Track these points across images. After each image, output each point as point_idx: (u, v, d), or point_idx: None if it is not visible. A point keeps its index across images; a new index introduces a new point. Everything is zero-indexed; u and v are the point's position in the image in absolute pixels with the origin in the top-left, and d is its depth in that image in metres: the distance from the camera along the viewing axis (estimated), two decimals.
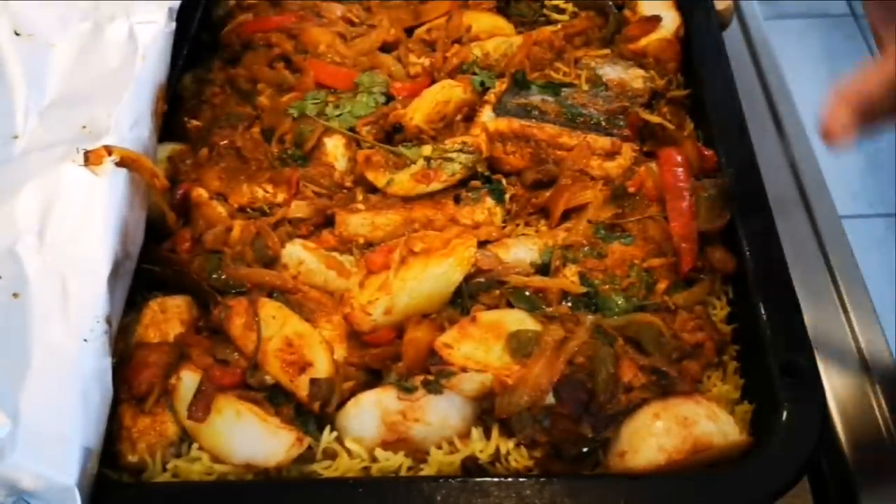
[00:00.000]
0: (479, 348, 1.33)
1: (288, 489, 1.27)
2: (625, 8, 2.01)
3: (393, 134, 1.74)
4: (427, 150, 1.64)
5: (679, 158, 1.59)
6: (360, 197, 1.64)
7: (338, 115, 1.75)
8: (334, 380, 1.35)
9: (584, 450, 1.30)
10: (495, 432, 1.32)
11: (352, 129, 1.73)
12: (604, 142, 1.65)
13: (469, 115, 1.77)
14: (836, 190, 1.94)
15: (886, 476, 1.48)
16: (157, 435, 1.33)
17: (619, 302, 1.43)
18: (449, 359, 1.33)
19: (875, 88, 1.12)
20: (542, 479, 1.20)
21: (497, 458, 1.31)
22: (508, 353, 1.33)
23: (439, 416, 1.31)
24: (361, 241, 1.56)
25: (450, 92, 1.76)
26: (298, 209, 1.62)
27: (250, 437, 1.29)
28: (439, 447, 1.31)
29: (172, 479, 1.31)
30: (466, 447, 1.31)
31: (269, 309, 1.42)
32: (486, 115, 1.71)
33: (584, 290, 1.44)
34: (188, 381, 1.35)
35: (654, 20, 1.90)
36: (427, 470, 1.30)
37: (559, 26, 1.98)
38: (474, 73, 1.83)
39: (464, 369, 1.32)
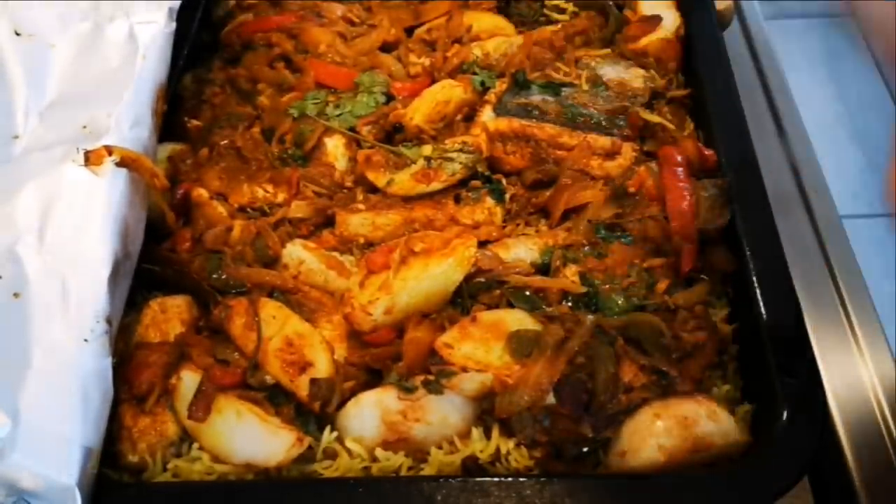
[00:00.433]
0: (480, 348, 1.33)
1: (288, 489, 1.27)
2: (625, 8, 2.01)
3: (393, 134, 1.75)
4: (427, 149, 1.64)
5: (679, 158, 1.59)
6: (360, 197, 1.64)
7: (338, 115, 1.75)
8: (335, 380, 1.35)
9: (585, 450, 1.30)
10: (495, 432, 1.32)
11: (352, 129, 1.73)
12: (604, 141, 1.65)
13: (469, 114, 1.77)
14: (837, 190, 1.94)
15: (886, 476, 1.48)
16: (157, 435, 1.33)
17: (620, 302, 1.43)
18: (449, 359, 1.33)
19: None
20: (542, 479, 1.20)
21: (497, 458, 1.31)
22: (509, 352, 1.33)
23: (440, 415, 1.31)
24: (362, 240, 1.56)
25: (450, 92, 1.76)
26: (299, 209, 1.62)
27: (251, 437, 1.29)
28: (440, 447, 1.31)
29: (173, 479, 1.31)
30: (467, 447, 1.31)
31: (270, 309, 1.42)
32: (487, 114, 1.71)
33: (584, 289, 1.44)
34: (188, 380, 1.35)
35: (655, 20, 1.90)
36: (427, 470, 1.30)
37: (559, 26, 1.98)
38: (474, 73, 1.83)
39: (464, 369, 1.32)
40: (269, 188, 1.65)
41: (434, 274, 1.40)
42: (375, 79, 1.83)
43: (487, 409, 1.33)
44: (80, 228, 1.34)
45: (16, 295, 1.27)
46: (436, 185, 1.60)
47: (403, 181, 1.60)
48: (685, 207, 1.51)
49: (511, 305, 1.43)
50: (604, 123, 1.69)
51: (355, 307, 1.39)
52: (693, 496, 1.20)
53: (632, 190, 1.58)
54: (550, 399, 1.28)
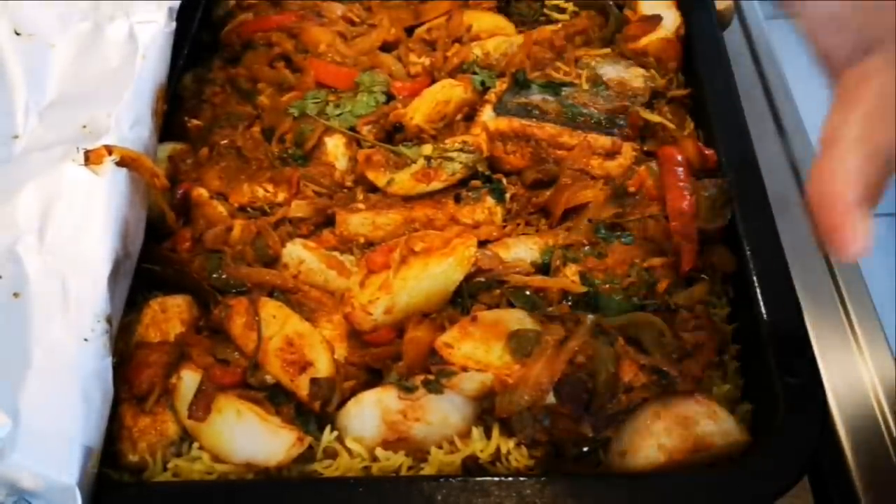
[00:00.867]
0: (480, 348, 1.33)
1: (288, 489, 1.27)
2: (625, 7, 2.01)
3: (393, 133, 1.75)
4: (427, 149, 1.64)
5: (679, 158, 1.59)
6: (360, 196, 1.64)
7: (338, 115, 1.75)
8: (335, 379, 1.35)
9: (585, 449, 1.30)
10: (496, 432, 1.32)
11: (352, 129, 1.73)
12: (604, 141, 1.65)
13: (469, 114, 1.77)
14: None
15: (886, 476, 1.48)
16: (157, 434, 1.33)
17: (620, 301, 1.43)
18: (449, 358, 1.33)
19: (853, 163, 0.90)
20: (542, 479, 1.20)
21: (497, 458, 1.31)
22: (509, 352, 1.32)
23: (440, 415, 1.31)
24: (362, 240, 1.56)
25: (450, 91, 1.76)
26: (299, 209, 1.62)
27: (251, 437, 1.29)
28: (440, 447, 1.31)
29: (173, 479, 1.31)
30: (467, 447, 1.31)
31: (270, 308, 1.42)
32: (487, 114, 1.71)
33: (584, 289, 1.44)
34: (189, 380, 1.35)
35: (655, 19, 1.90)
36: (427, 469, 1.30)
37: (560, 26, 1.98)
38: (475, 73, 1.83)
39: (464, 369, 1.32)
40: (270, 188, 1.65)
41: (434, 273, 1.40)
42: (375, 78, 1.83)
43: (488, 409, 1.33)
44: (80, 228, 1.34)
45: (16, 295, 1.27)
46: (436, 185, 1.60)
47: (403, 181, 1.60)
48: (685, 207, 1.51)
49: (511, 305, 1.43)
50: (604, 123, 1.69)
51: (355, 307, 1.39)
52: (693, 496, 1.19)
53: (632, 189, 1.58)
54: (551, 399, 1.28)
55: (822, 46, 1.02)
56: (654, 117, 1.72)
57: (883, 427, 1.54)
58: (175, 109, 1.80)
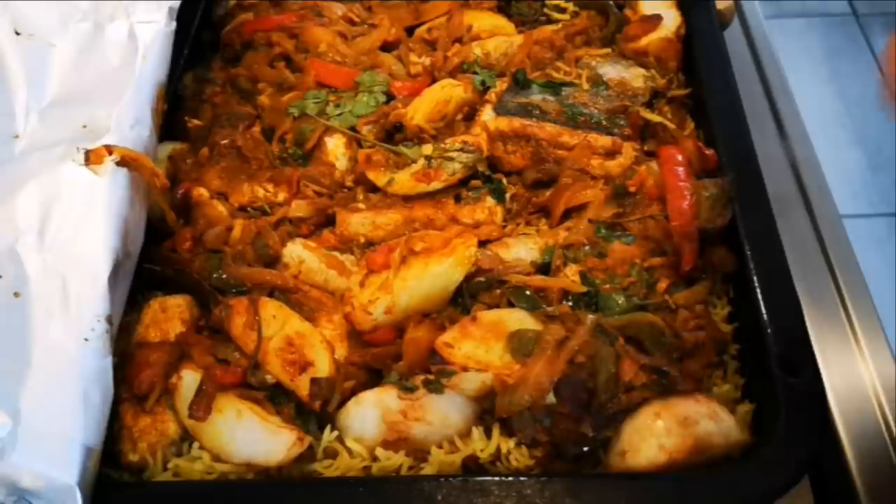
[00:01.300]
0: (480, 348, 1.33)
1: (289, 488, 1.27)
2: (625, 7, 2.01)
3: (393, 133, 1.75)
4: (427, 149, 1.64)
5: (680, 157, 1.59)
6: (360, 196, 1.64)
7: (338, 115, 1.75)
8: (335, 379, 1.35)
9: (585, 449, 1.30)
10: (496, 431, 1.32)
11: (352, 129, 1.73)
12: (604, 141, 1.65)
13: (469, 114, 1.77)
14: (837, 189, 1.94)
15: (886, 476, 1.48)
16: (157, 434, 1.33)
17: (620, 301, 1.43)
18: (450, 358, 1.33)
19: None
20: (542, 479, 1.20)
21: (498, 458, 1.31)
22: (509, 352, 1.32)
23: (440, 415, 1.31)
24: (362, 240, 1.56)
25: (450, 91, 1.76)
26: (299, 208, 1.62)
27: (251, 437, 1.29)
28: (440, 446, 1.31)
29: (173, 479, 1.31)
30: (467, 446, 1.31)
31: (270, 308, 1.42)
32: (487, 114, 1.71)
33: (584, 289, 1.44)
34: (189, 380, 1.35)
35: (655, 19, 1.90)
36: (428, 469, 1.30)
37: (560, 25, 1.98)
38: (475, 73, 1.83)
39: (464, 369, 1.32)
40: (270, 187, 1.65)
41: (434, 273, 1.40)
42: (376, 78, 1.83)
43: (488, 409, 1.33)
44: (80, 228, 1.34)
45: (16, 295, 1.27)
46: (436, 185, 1.60)
47: (404, 181, 1.60)
48: (686, 207, 1.51)
49: (511, 305, 1.43)
50: (604, 123, 1.69)
51: (356, 307, 1.39)
52: (693, 495, 1.20)
53: (632, 189, 1.58)
54: (551, 398, 1.28)
55: None
56: (655, 117, 1.72)
57: (883, 427, 1.54)
58: (175, 109, 1.80)
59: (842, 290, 1.74)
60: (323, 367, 1.36)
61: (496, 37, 1.95)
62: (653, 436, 1.25)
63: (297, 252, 1.54)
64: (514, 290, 1.44)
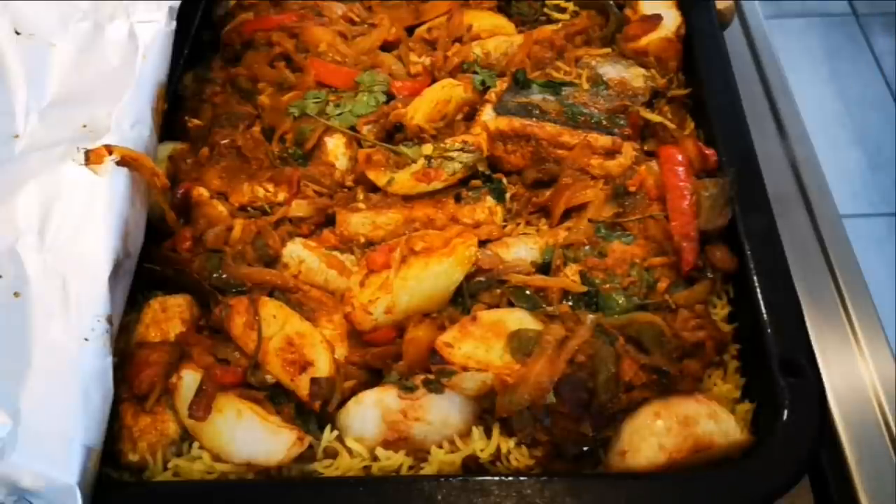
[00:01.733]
0: (480, 347, 1.33)
1: (289, 488, 1.27)
2: (625, 7, 2.01)
3: (394, 133, 1.74)
4: (428, 149, 1.64)
5: (680, 157, 1.59)
6: (360, 196, 1.64)
7: (338, 114, 1.75)
8: (335, 379, 1.35)
9: (585, 449, 1.30)
10: (496, 431, 1.32)
11: (352, 128, 1.73)
12: (604, 141, 1.65)
13: (470, 114, 1.77)
14: (837, 189, 1.94)
15: (886, 475, 1.48)
16: (158, 434, 1.33)
17: (620, 301, 1.43)
18: (450, 358, 1.33)
19: None
20: (542, 478, 1.20)
21: (498, 457, 1.31)
22: (509, 352, 1.33)
23: (440, 415, 1.31)
24: (362, 240, 1.56)
25: (450, 91, 1.76)
26: (299, 208, 1.62)
27: (251, 437, 1.29)
28: (440, 446, 1.31)
29: (173, 478, 1.31)
30: (467, 446, 1.31)
31: (270, 308, 1.42)
32: (487, 114, 1.71)
33: (584, 289, 1.44)
34: (189, 380, 1.35)
35: (655, 19, 1.90)
36: (428, 469, 1.30)
37: (560, 25, 1.98)
38: (475, 73, 1.83)
39: (464, 368, 1.32)
40: (270, 187, 1.65)
41: (435, 273, 1.40)
42: (376, 78, 1.83)
43: (488, 409, 1.33)
44: (80, 228, 1.34)
45: (16, 295, 1.27)
46: (436, 185, 1.60)
47: (404, 180, 1.60)
48: (686, 207, 1.51)
49: (512, 305, 1.43)
50: (604, 122, 1.69)
51: (356, 306, 1.39)
52: (693, 495, 1.20)
53: (632, 189, 1.58)
54: (551, 398, 1.28)
55: None
56: (655, 117, 1.72)
57: (883, 427, 1.54)
58: (175, 109, 1.80)
59: (842, 290, 1.74)
60: (323, 366, 1.36)
61: (496, 36, 1.95)
62: (653, 435, 1.26)
63: (297, 252, 1.54)
64: (514, 289, 1.44)
